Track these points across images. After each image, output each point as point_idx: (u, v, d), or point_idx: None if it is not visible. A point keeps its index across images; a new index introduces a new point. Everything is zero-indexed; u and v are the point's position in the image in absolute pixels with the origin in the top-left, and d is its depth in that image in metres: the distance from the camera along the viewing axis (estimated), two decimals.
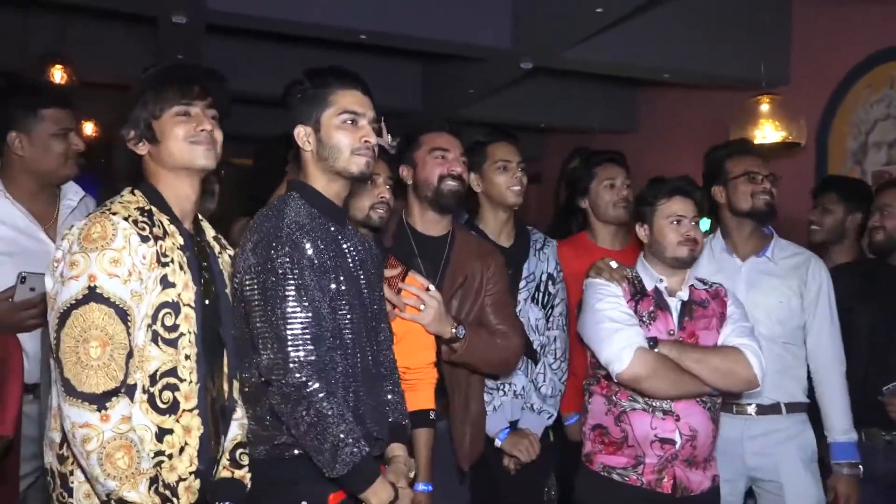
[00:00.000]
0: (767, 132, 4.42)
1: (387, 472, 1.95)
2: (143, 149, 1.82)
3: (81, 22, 5.74)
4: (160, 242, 1.74)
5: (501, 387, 2.71)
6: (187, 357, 1.76)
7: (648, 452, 2.34)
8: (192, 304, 1.78)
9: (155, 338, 1.71)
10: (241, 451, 1.92)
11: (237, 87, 6.21)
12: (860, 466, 2.62)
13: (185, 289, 1.77)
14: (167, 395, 1.73)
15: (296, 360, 1.79)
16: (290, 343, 1.80)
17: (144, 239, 1.71)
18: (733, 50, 5.25)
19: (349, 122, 1.94)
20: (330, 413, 1.78)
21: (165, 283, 1.73)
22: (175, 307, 1.74)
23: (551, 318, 2.84)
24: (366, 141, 1.94)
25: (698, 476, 2.37)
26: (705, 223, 3.77)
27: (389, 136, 2.79)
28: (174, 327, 1.74)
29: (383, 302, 2.13)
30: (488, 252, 2.62)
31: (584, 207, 3.14)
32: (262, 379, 1.85)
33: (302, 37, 5.20)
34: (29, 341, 2.29)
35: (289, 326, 1.81)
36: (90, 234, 1.67)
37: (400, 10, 4.81)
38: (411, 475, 2.02)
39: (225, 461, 1.90)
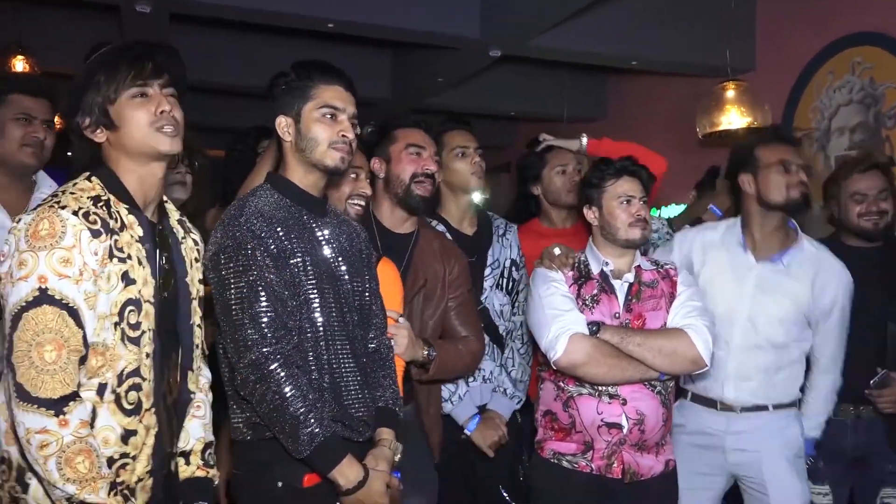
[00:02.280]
0: (733, 118, 4.47)
1: (368, 454, 1.97)
2: (100, 136, 1.73)
3: (43, 11, 5.64)
4: (115, 237, 1.66)
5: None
6: (148, 355, 1.72)
7: (596, 438, 2.35)
8: (152, 300, 1.72)
9: (123, 336, 1.66)
10: (209, 451, 1.93)
11: (204, 78, 6.18)
12: (811, 461, 2.66)
13: (144, 285, 1.71)
14: (133, 395, 1.69)
15: (252, 342, 1.84)
16: (248, 326, 1.85)
17: (96, 234, 1.62)
18: (699, 37, 5.30)
19: (328, 116, 1.98)
20: (290, 394, 1.82)
21: (127, 279, 1.67)
22: (138, 304, 1.69)
23: (517, 304, 2.88)
24: (343, 135, 1.98)
25: (649, 461, 2.37)
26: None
27: (358, 128, 2.80)
28: (137, 325, 1.69)
29: (376, 288, 2.15)
30: (452, 253, 2.63)
31: (536, 194, 3.17)
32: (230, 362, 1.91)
33: (269, 26, 5.15)
34: None
35: (246, 310, 1.85)
36: (38, 231, 1.58)
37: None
38: (397, 458, 2.03)
39: (198, 461, 1.90)
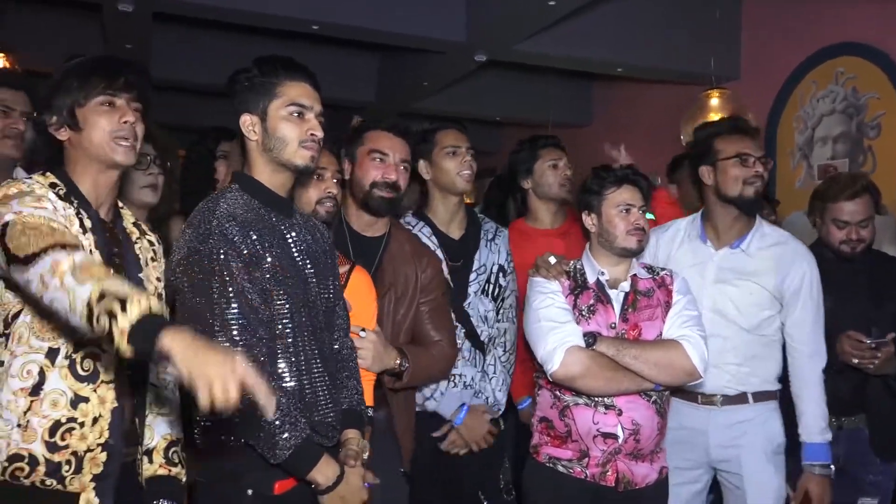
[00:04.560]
0: None
1: (339, 455, 1.94)
2: (63, 134, 1.79)
3: (26, 10, 5.58)
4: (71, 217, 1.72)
5: (451, 378, 2.71)
6: None
7: (592, 447, 2.33)
8: None
9: None
10: (173, 449, 1.91)
11: (186, 78, 6.15)
12: (832, 467, 2.52)
13: None
14: (88, 363, 1.72)
15: None
16: (217, 334, 1.79)
17: (62, 198, 1.71)
18: (685, 45, 5.33)
19: (296, 114, 1.93)
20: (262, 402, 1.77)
21: None
22: None
23: (501, 311, 2.84)
24: (312, 134, 1.93)
25: (644, 469, 2.36)
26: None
27: (357, 117, 2.78)
28: None
29: (339, 288, 2.10)
30: (425, 255, 2.58)
31: (526, 188, 3.17)
32: None
33: (253, 27, 5.12)
34: None
35: (216, 318, 1.80)
36: (7, 193, 1.65)
37: (353, 2, 4.76)
38: (365, 456, 2.00)
39: (160, 459, 1.89)
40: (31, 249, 1.53)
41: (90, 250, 1.73)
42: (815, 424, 2.52)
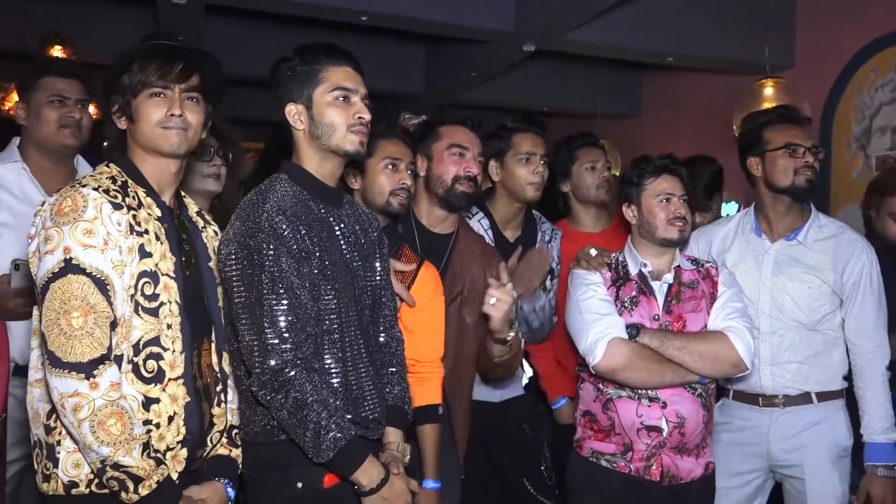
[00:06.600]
0: None
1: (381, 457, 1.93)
2: (123, 123, 1.82)
3: (81, 2, 5.70)
4: (133, 212, 1.73)
5: None
6: (169, 326, 1.75)
7: (636, 440, 2.32)
8: (172, 275, 1.77)
9: (136, 307, 1.71)
10: (235, 431, 1.94)
11: (238, 70, 6.21)
12: None
13: (162, 259, 1.76)
14: (151, 364, 1.72)
15: (271, 347, 1.78)
16: (266, 330, 1.79)
17: (116, 206, 1.70)
18: (738, 33, 5.21)
19: (342, 98, 1.91)
20: (309, 400, 1.77)
21: (142, 252, 1.72)
22: (153, 276, 1.73)
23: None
24: (360, 118, 1.91)
25: (689, 464, 2.33)
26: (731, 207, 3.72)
27: (405, 115, 2.77)
28: (154, 296, 1.73)
29: (387, 278, 2.08)
30: (493, 257, 2.54)
31: (565, 191, 3.13)
32: (244, 364, 1.86)
33: (303, 18, 5.16)
34: (17, 322, 2.30)
35: (265, 314, 1.79)
36: (62, 207, 1.67)
37: None
38: (406, 460, 1.99)
39: (224, 440, 1.91)
40: (62, 356, 1.61)
41: (156, 236, 1.75)
42: (878, 423, 2.45)
